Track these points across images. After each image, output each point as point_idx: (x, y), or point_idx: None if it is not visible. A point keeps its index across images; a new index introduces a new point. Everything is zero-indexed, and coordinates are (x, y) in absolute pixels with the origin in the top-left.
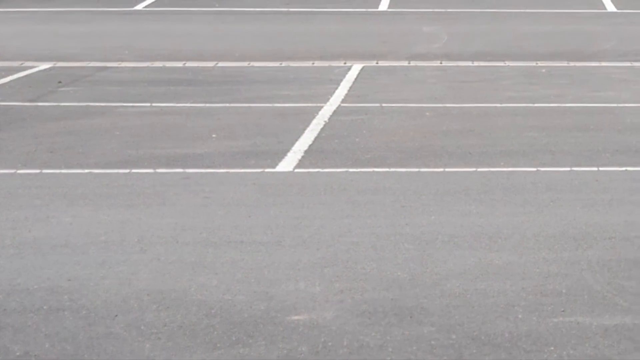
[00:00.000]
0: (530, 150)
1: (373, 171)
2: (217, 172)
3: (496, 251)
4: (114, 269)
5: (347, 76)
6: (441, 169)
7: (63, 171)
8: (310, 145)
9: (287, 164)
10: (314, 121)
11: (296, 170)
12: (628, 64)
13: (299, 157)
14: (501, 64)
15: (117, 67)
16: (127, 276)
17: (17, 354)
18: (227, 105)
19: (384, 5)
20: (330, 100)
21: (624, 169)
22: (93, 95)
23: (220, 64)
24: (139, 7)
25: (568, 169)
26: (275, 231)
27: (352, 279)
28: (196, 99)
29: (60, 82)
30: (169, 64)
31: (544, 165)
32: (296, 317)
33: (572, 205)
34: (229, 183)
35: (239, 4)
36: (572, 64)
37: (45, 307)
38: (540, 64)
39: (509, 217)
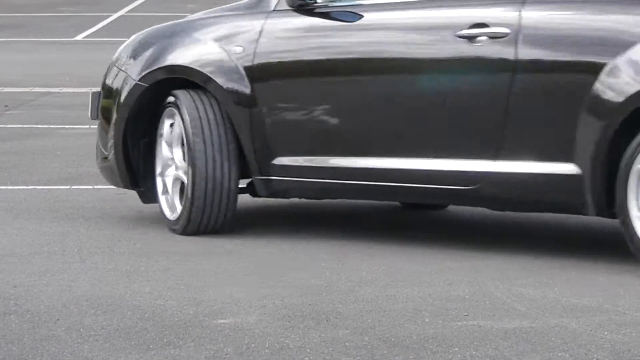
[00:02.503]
0: None
1: None
2: None
3: (405, 260)
4: (56, 277)
5: None
6: None
7: (9, 187)
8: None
9: None
10: None
11: None
12: None
13: None
14: None
15: (59, 92)
16: (68, 283)
17: None
18: None
19: None
20: None
21: None
22: (37, 118)
23: None
24: (79, 37)
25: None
26: (203, 242)
27: (273, 286)
28: None
29: (6, 105)
30: None
31: None
32: (222, 321)
33: (473, 218)
34: None
35: None
36: None
37: None
38: None
39: (417, 229)
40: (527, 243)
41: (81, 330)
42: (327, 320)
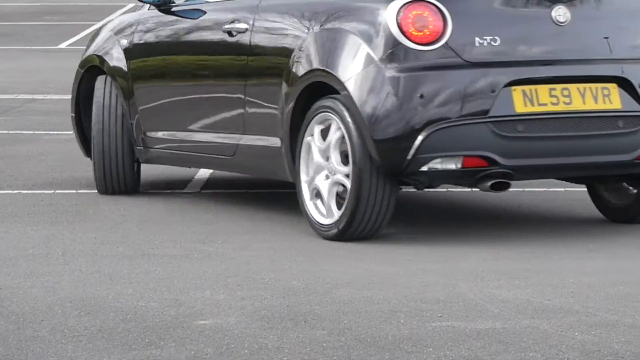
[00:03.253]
0: None
1: (269, 192)
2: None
3: (381, 263)
4: (40, 279)
5: None
6: None
7: None
8: (214, 171)
9: (194, 186)
10: None
11: (203, 191)
12: None
13: (205, 180)
14: None
15: (43, 99)
16: (52, 285)
17: None
18: None
19: None
20: None
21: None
22: (22, 125)
23: None
24: (63, 45)
25: (444, 190)
26: (183, 245)
27: (252, 288)
28: None
29: None
30: None
31: None
32: (202, 322)
33: (447, 222)
34: (142, 202)
35: None
36: None
37: None
38: None
39: (391, 231)
40: (500, 246)
41: (65, 331)
42: (304, 321)
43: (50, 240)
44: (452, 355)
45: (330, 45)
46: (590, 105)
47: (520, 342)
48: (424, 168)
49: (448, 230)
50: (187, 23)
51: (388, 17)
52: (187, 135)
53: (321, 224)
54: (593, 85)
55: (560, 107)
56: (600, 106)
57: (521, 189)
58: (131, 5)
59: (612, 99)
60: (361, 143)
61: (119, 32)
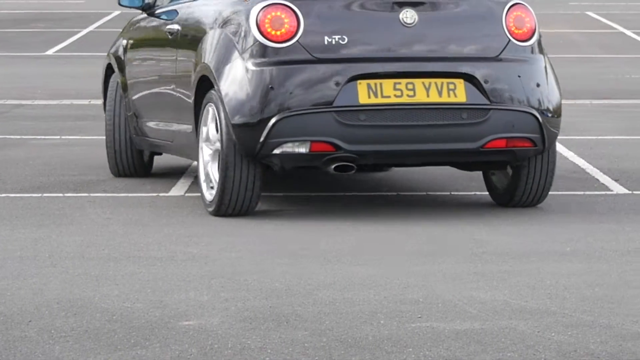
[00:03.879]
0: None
1: None
2: (118, 196)
3: (361, 265)
4: (28, 281)
5: None
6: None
7: None
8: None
9: (178, 189)
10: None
11: (186, 194)
12: None
13: (189, 183)
14: None
15: (31, 105)
16: (40, 287)
17: None
18: None
19: None
20: None
21: (472, 193)
22: (10, 129)
23: None
24: (50, 52)
25: (424, 193)
26: (168, 247)
27: (235, 289)
28: (100, 132)
29: None
30: (76, 102)
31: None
32: (187, 323)
33: (426, 225)
34: (128, 205)
35: None
36: None
37: None
38: None
39: (373, 235)
40: (478, 248)
41: (52, 331)
42: (287, 322)
43: (37, 242)
44: (431, 355)
45: (214, 43)
46: (434, 98)
47: (498, 343)
48: (276, 151)
49: (426, 234)
50: (156, 22)
51: (250, 18)
52: (155, 124)
53: (206, 202)
54: (439, 80)
55: (404, 99)
56: (445, 99)
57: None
58: (117, 13)
59: (458, 93)
60: (227, 130)
61: (123, 31)
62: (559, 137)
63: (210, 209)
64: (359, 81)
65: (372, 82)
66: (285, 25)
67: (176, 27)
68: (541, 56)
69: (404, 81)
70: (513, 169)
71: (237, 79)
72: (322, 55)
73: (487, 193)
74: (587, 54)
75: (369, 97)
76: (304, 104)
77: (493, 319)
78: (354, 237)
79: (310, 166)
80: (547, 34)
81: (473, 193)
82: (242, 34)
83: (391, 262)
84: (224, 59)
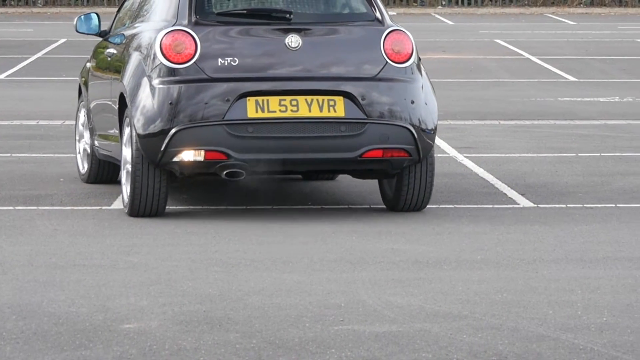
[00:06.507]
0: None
1: (186, 209)
2: (64, 209)
3: (289, 272)
4: None
5: None
6: (243, 207)
7: None
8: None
9: (120, 203)
10: None
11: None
12: None
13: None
14: None
15: None
16: None
17: None
18: (73, 155)
19: None
20: None
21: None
22: None
23: (67, 122)
24: (2, 76)
25: (345, 206)
26: (110, 256)
27: (172, 295)
28: (47, 150)
29: None
30: (25, 122)
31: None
32: (127, 326)
33: (349, 236)
34: (73, 218)
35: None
36: None
37: None
38: None
39: (299, 245)
40: (396, 257)
41: (4, 334)
42: (219, 325)
43: None
44: (353, 356)
45: (130, 65)
46: (315, 113)
47: (413, 344)
48: (176, 159)
49: (348, 244)
50: (108, 47)
51: (156, 42)
52: (102, 138)
53: (124, 204)
54: (320, 97)
55: (288, 114)
56: (325, 114)
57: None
58: (63, 40)
59: (337, 109)
60: (136, 140)
61: (90, 56)
62: (470, 155)
63: (126, 210)
64: (248, 98)
65: (259, 98)
66: (185, 49)
67: (113, 50)
68: (419, 76)
69: (288, 98)
70: (396, 177)
71: (143, 96)
72: (215, 75)
73: None
74: (496, 78)
75: (257, 111)
76: (199, 118)
77: (409, 322)
78: (282, 247)
79: (207, 173)
80: (459, 59)
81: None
82: (151, 56)
83: (316, 270)
84: (135, 79)
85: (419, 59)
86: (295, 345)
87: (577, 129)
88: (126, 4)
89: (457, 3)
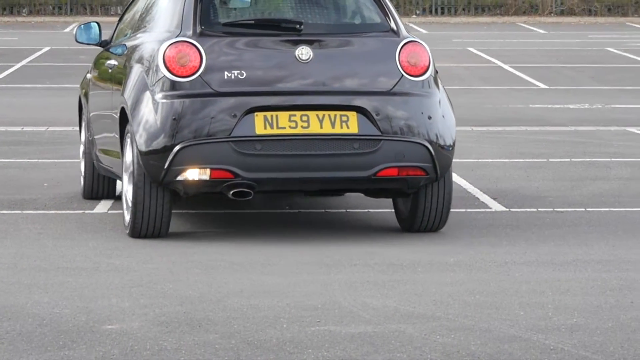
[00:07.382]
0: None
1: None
2: (48, 213)
3: (267, 275)
4: None
5: None
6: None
7: None
8: (120, 192)
9: (102, 207)
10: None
11: (109, 211)
12: None
13: (112, 202)
14: None
15: None
16: None
17: None
18: (56, 161)
19: None
20: None
21: (366, 210)
22: None
23: (51, 129)
24: None
25: (322, 210)
26: (93, 259)
27: (153, 297)
28: (31, 156)
29: None
30: (10, 129)
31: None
32: (110, 327)
33: (325, 239)
34: (57, 222)
35: (64, 81)
36: None
37: None
38: None
39: (277, 248)
40: (371, 260)
41: None
42: (199, 326)
43: None
44: (329, 356)
45: (132, 77)
46: (327, 129)
47: (388, 345)
48: (180, 178)
49: (325, 247)
50: (109, 58)
51: (159, 55)
52: (103, 152)
53: (125, 223)
54: (332, 113)
55: (298, 130)
56: (337, 130)
57: (388, 210)
58: (47, 48)
59: (350, 125)
60: (138, 158)
61: (91, 67)
62: None
63: (127, 231)
64: (256, 113)
65: (268, 114)
66: (190, 62)
67: (113, 62)
68: (436, 90)
69: (298, 113)
70: (412, 196)
71: (146, 111)
72: (221, 89)
73: (379, 210)
74: (469, 85)
75: (265, 128)
76: (205, 134)
77: (384, 323)
78: (260, 250)
79: (212, 192)
80: None
81: (367, 210)
82: (153, 68)
83: (293, 272)
84: (136, 92)
85: (436, 71)
86: (273, 346)
87: (548, 135)
88: (128, 13)
89: (431, 12)
